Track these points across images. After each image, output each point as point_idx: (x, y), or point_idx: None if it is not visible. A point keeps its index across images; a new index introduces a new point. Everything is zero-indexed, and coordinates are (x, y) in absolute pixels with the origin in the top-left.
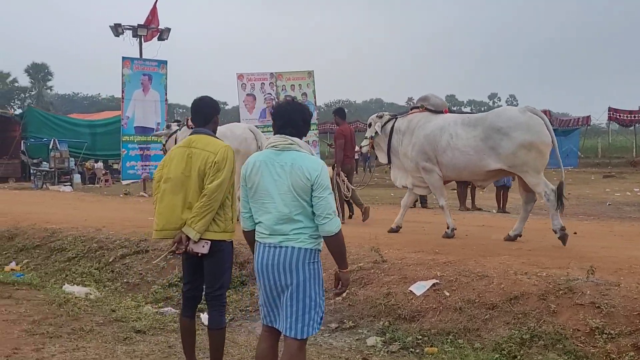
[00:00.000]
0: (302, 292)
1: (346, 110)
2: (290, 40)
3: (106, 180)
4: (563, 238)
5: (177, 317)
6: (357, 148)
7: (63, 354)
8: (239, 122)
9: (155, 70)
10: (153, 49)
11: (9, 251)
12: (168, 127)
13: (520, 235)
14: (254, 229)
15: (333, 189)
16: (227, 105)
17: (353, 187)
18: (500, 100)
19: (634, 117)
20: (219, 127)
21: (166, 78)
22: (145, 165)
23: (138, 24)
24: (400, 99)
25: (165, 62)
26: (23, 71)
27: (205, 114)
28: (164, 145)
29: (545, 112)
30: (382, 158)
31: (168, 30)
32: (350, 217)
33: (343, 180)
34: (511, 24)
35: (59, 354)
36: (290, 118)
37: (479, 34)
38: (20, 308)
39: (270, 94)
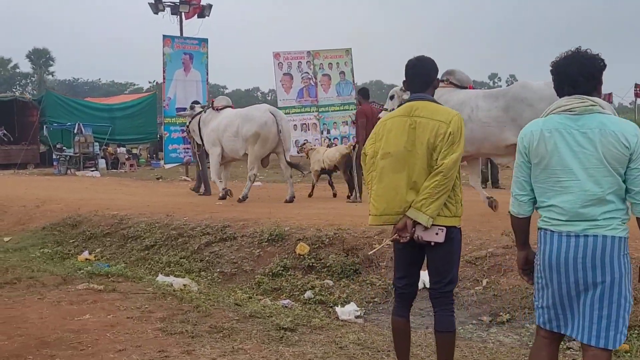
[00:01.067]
0: (617, 291)
1: None
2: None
3: (131, 165)
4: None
5: (307, 312)
6: None
7: (223, 358)
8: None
9: (196, 48)
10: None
11: (76, 239)
12: (192, 108)
13: None
14: (529, 216)
15: (352, 170)
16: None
17: None
18: (500, 80)
19: None
20: (238, 110)
21: (207, 57)
22: (188, 148)
23: (181, 1)
24: (399, 80)
25: (206, 40)
26: (24, 57)
27: (426, 76)
28: (187, 126)
29: (609, 94)
30: None
31: (210, 6)
32: (348, 197)
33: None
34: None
35: (218, 357)
36: (571, 73)
37: (480, 15)
38: (135, 303)
39: (307, 73)
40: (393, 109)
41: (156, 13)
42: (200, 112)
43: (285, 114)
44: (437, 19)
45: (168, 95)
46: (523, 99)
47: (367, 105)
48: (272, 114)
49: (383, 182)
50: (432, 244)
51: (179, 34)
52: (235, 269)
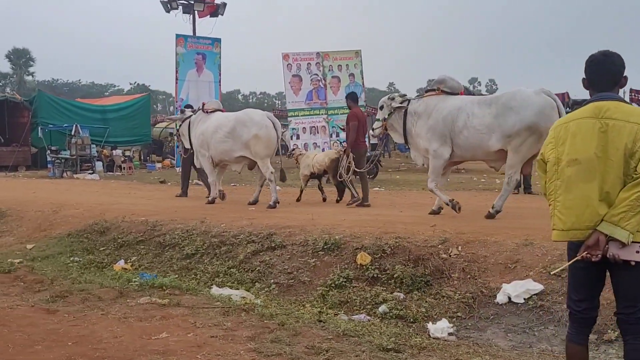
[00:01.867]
0: None
1: None
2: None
3: (129, 168)
4: (491, 216)
5: (395, 328)
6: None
7: None
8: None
9: (209, 48)
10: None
11: (107, 247)
12: (182, 111)
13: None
14: None
15: (342, 173)
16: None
17: (361, 170)
18: (480, 85)
19: None
20: (236, 114)
21: (220, 57)
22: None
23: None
24: (381, 84)
25: (219, 40)
26: (4, 57)
27: (616, 74)
28: (177, 130)
29: (563, 94)
30: (398, 139)
31: (224, 5)
32: (337, 201)
33: (350, 163)
34: (493, 9)
35: None
36: None
37: (460, 21)
38: (209, 319)
39: (317, 74)
40: (384, 119)
41: (168, 11)
42: (190, 116)
43: (294, 116)
44: (418, 24)
45: (180, 97)
46: (512, 106)
47: (357, 108)
48: (269, 118)
49: (572, 193)
50: (633, 263)
51: (174, 34)
52: (292, 280)
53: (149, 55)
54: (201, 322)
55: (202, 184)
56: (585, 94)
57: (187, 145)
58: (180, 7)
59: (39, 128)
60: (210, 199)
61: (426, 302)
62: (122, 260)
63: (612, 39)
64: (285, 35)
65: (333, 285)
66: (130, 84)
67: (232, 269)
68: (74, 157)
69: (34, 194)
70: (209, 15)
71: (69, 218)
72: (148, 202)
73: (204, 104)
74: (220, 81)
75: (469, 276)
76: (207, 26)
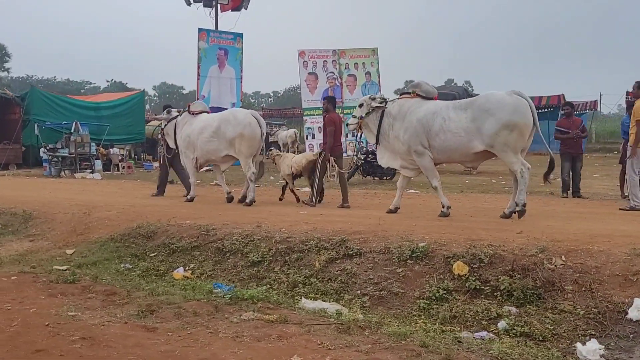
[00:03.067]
0: None
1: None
2: None
3: (129, 167)
4: (521, 213)
5: (529, 349)
6: None
7: None
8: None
9: (231, 44)
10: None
11: (158, 253)
12: (168, 112)
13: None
14: None
15: (314, 175)
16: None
17: (343, 172)
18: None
19: None
20: (221, 113)
21: (242, 53)
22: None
23: None
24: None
25: (241, 35)
26: None
27: None
28: (162, 129)
29: (559, 96)
30: (371, 138)
31: None
32: (319, 201)
33: (333, 166)
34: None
35: None
36: None
37: (436, 23)
38: (333, 339)
39: (333, 72)
40: (362, 117)
41: (189, 5)
42: (176, 116)
43: (309, 115)
44: (396, 26)
45: (202, 93)
46: (487, 109)
47: (334, 113)
48: (254, 116)
49: None
50: None
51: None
52: (382, 291)
53: (132, 49)
54: (329, 343)
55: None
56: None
57: (172, 145)
58: (194, 1)
59: (36, 125)
60: (188, 197)
61: (547, 317)
62: (182, 268)
63: (581, 45)
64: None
65: (433, 297)
66: (107, 81)
67: (310, 279)
68: (73, 155)
69: (49, 194)
70: (230, 10)
71: (105, 221)
72: (180, 204)
73: (189, 105)
74: (241, 78)
75: (583, 289)
76: (238, 20)
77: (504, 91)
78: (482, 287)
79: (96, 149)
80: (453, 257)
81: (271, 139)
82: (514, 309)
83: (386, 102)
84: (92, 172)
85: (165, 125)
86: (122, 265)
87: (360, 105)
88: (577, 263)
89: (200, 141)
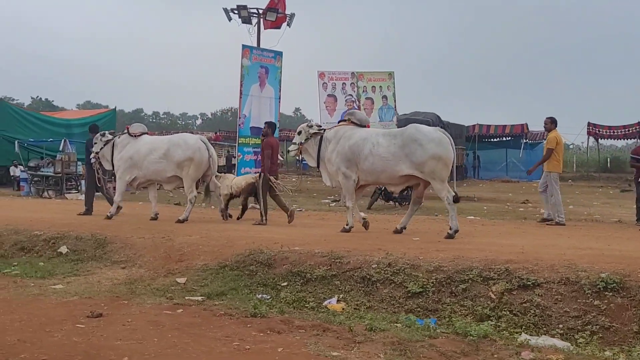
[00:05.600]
0: None
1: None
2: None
3: (114, 187)
4: (450, 236)
5: None
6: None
7: None
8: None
9: (271, 62)
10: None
11: (292, 282)
12: (103, 134)
13: (405, 229)
14: None
15: (258, 194)
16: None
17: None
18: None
19: (613, 132)
20: (170, 137)
21: (281, 72)
22: (258, 172)
23: (267, 8)
24: (288, 109)
25: (280, 54)
26: None
27: None
28: (96, 153)
29: (522, 125)
30: (311, 162)
31: (293, 15)
32: (238, 218)
33: (277, 184)
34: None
35: None
36: None
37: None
38: None
39: (351, 95)
40: (301, 143)
41: (230, 20)
42: (112, 139)
43: None
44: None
45: (243, 112)
46: (416, 139)
47: (272, 138)
48: (202, 141)
49: None
50: None
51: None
52: (587, 325)
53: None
54: None
55: (257, 207)
56: None
57: (109, 167)
58: (239, 17)
59: (16, 142)
60: (108, 214)
61: None
62: (334, 299)
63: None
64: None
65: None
66: (32, 97)
67: (495, 311)
68: (59, 174)
69: (77, 218)
70: (272, 27)
71: (197, 247)
72: (263, 228)
73: (128, 128)
74: (279, 98)
75: None
76: (281, 37)
77: (431, 127)
78: None
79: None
80: None
81: (234, 162)
82: None
83: (324, 129)
84: (77, 192)
85: (102, 148)
86: (258, 296)
87: (299, 133)
88: None
89: (147, 162)
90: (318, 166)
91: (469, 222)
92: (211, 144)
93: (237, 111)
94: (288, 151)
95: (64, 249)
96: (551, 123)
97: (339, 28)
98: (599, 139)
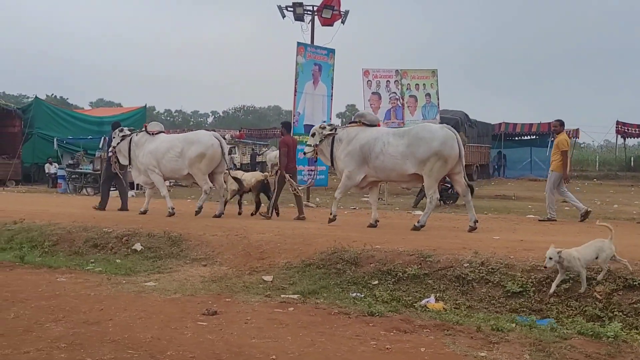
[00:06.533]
0: None
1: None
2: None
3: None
4: (416, 229)
5: None
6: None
7: None
8: None
9: (324, 59)
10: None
11: (382, 281)
12: (121, 130)
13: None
14: None
15: (273, 191)
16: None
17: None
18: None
19: None
20: (185, 134)
21: (333, 70)
22: (312, 170)
23: (323, 5)
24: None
25: (333, 51)
26: None
27: None
28: (114, 147)
29: (549, 124)
30: (326, 161)
31: (347, 12)
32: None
33: (291, 182)
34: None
35: None
36: None
37: (383, 47)
38: None
39: (395, 93)
40: (316, 145)
41: (284, 17)
42: (130, 135)
43: None
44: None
45: (297, 110)
46: (422, 137)
47: (288, 136)
48: (216, 138)
49: None
50: None
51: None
52: None
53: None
54: None
55: (313, 205)
56: None
57: (125, 162)
58: (292, 14)
59: (55, 140)
60: (169, 211)
61: None
62: (432, 298)
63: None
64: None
65: None
66: (47, 95)
67: (605, 312)
68: (98, 172)
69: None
70: (326, 24)
71: (275, 245)
72: (325, 226)
73: (146, 126)
74: (332, 95)
75: None
76: (335, 35)
77: (438, 124)
78: None
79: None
80: None
81: (259, 159)
82: None
83: (336, 130)
84: (115, 189)
85: (119, 144)
86: (352, 294)
87: (313, 135)
88: None
89: (165, 160)
90: (332, 165)
91: (535, 221)
92: (235, 142)
93: (249, 109)
94: (304, 153)
95: (138, 246)
96: (560, 125)
97: (382, 24)
98: (627, 138)
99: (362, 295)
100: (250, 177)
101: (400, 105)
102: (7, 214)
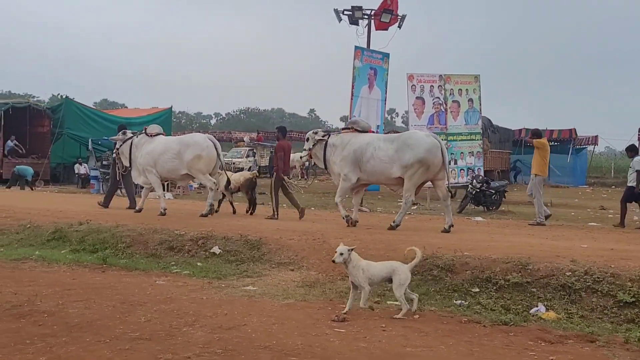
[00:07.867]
0: None
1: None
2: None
3: (184, 187)
4: (392, 228)
5: None
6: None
7: None
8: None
9: (379, 63)
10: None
11: (484, 289)
12: (124, 132)
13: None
14: None
15: (271, 193)
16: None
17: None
18: (397, 116)
19: None
20: (181, 137)
21: (387, 74)
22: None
23: (382, 9)
24: (302, 110)
25: (387, 55)
26: None
27: None
28: (116, 149)
29: (571, 130)
30: (320, 164)
31: (404, 17)
32: (247, 211)
33: (290, 184)
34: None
35: None
36: None
37: None
38: None
39: (439, 98)
40: (310, 148)
41: (340, 21)
42: (131, 137)
43: None
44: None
45: (354, 114)
46: (409, 144)
47: (284, 141)
48: (211, 140)
49: None
50: None
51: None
52: None
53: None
54: None
55: (367, 210)
56: None
57: (126, 164)
58: (351, 18)
59: (90, 141)
60: (161, 211)
61: None
62: (542, 307)
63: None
64: None
65: None
66: (54, 95)
67: None
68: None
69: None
70: (382, 28)
71: (363, 250)
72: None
73: (145, 129)
74: (385, 100)
75: None
76: (391, 39)
77: (424, 132)
78: None
79: None
80: None
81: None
82: None
83: (329, 135)
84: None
85: (121, 145)
86: (456, 302)
87: (307, 139)
88: None
89: (161, 160)
90: (325, 168)
91: (606, 229)
92: (254, 144)
93: (252, 111)
94: (301, 157)
95: (216, 250)
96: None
97: (432, 29)
98: None
99: (467, 303)
100: (239, 177)
101: (443, 110)
102: (65, 214)
